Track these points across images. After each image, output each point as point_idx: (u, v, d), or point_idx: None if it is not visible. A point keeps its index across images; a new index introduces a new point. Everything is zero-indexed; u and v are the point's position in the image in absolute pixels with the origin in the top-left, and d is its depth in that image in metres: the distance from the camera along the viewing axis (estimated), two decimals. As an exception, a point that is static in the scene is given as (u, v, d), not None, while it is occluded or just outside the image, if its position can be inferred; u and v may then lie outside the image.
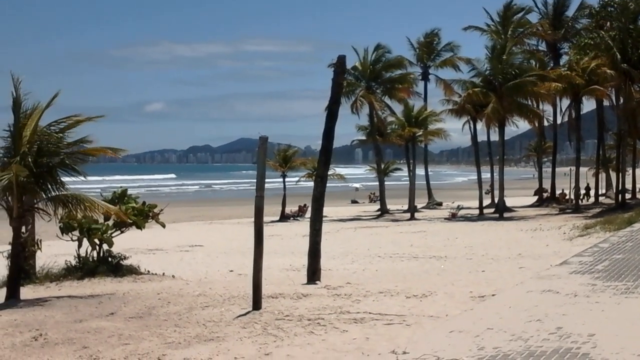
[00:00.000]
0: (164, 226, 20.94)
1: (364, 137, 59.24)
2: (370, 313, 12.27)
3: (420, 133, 56.92)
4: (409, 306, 12.96)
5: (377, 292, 14.60)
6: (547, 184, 60.04)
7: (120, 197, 19.92)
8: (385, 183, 55.55)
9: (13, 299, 15.60)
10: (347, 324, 11.43)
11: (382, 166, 56.09)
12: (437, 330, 10.61)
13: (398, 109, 57.39)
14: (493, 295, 13.90)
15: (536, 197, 60.23)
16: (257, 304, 13.04)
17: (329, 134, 18.24)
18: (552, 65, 56.12)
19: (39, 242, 17.84)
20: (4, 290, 16.36)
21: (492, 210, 49.37)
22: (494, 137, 52.29)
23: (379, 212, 52.31)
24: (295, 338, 10.55)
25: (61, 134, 16.48)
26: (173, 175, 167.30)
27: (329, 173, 19.83)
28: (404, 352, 9.23)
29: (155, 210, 20.47)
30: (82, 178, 16.57)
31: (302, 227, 38.20)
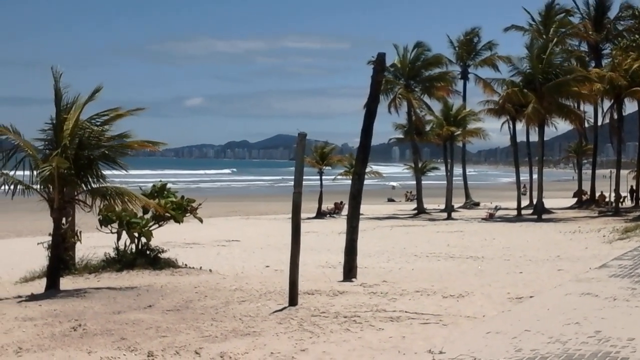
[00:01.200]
0: (201, 221, 21.07)
1: (401, 136, 59.06)
2: (406, 312, 12.23)
3: (459, 132, 56.59)
4: (446, 306, 12.89)
5: (414, 291, 14.55)
6: (586, 186, 59.36)
7: (160, 191, 20.08)
8: (422, 182, 55.34)
9: (53, 289, 15.81)
10: (383, 322, 11.41)
11: (420, 165, 55.88)
12: (474, 331, 10.55)
13: (437, 107, 57.23)
14: (531, 297, 13.79)
15: (575, 199, 59.60)
16: (293, 300, 13.07)
17: (367, 131, 18.22)
18: (593, 66, 55.41)
19: (78, 234, 18.04)
20: (44, 280, 16.60)
21: (530, 211, 48.94)
22: (534, 137, 51.85)
23: (415, 211, 52.15)
24: (331, 335, 10.55)
25: (102, 127, 16.68)
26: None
27: (366, 171, 19.76)
28: (441, 352, 9.20)
29: (194, 205, 20.60)
30: (124, 171, 16.75)
31: (338, 224, 38.23)
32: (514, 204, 49.91)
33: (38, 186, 16.08)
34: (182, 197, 20.64)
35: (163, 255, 19.78)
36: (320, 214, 49.37)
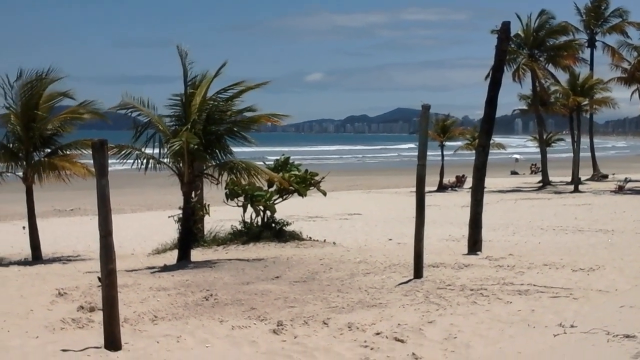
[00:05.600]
0: (325, 194, 21.25)
1: (525, 107, 57.58)
2: (534, 285, 12.00)
3: (586, 102, 54.63)
4: (576, 279, 12.57)
5: (541, 265, 14.25)
6: None
7: (283, 165, 20.38)
8: (547, 154, 53.89)
9: (184, 261, 16.37)
10: (511, 295, 11.24)
11: (545, 136, 54.33)
12: (607, 305, 10.26)
13: (562, 77, 55.32)
14: (666, 271, 13.27)
15: None
16: (418, 272, 13.05)
17: (491, 102, 17.88)
18: None
19: (207, 207, 18.56)
20: (175, 252, 17.20)
21: (663, 183, 46.93)
22: (666, 106, 49.53)
23: (540, 184, 50.88)
24: (458, 307, 10.49)
25: (228, 102, 17.04)
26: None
27: (490, 143, 19.36)
28: (572, 326, 8.99)
29: (317, 178, 20.79)
30: (255, 146, 17.04)
31: (460, 197, 37.81)
32: (645, 176, 48.00)
33: (169, 161, 16.64)
34: (306, 170, 20.87)
35: (288, 228, 20.11)
36: (442, 188, 48.84)
